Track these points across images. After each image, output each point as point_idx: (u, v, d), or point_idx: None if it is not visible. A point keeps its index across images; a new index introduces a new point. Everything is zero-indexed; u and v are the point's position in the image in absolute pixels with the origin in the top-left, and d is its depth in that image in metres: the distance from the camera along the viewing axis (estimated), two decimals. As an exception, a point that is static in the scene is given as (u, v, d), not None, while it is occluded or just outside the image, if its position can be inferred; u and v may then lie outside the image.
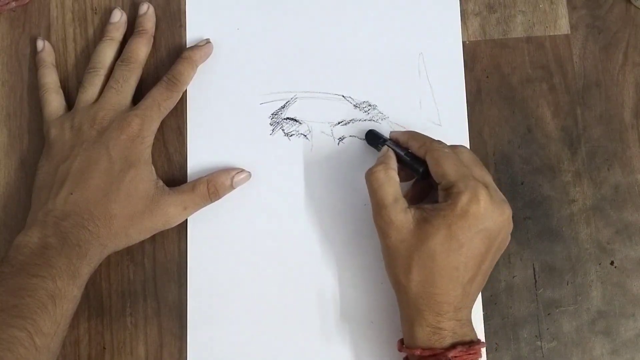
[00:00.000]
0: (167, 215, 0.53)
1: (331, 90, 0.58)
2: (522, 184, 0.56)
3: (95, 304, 0.55)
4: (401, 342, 0.50)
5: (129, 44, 0.57)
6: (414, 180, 0.53)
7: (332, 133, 0.57)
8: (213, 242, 0.56)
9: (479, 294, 0.50)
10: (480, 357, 0.48)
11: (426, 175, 0.50)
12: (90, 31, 0.59)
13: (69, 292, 0.48)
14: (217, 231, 0.56)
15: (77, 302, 0.50)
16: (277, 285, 0.55)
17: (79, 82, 0.57)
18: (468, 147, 0.56)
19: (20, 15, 0.60)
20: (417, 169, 0.51)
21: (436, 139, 0.52)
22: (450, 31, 0.58)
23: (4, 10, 0.59)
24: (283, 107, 0.58)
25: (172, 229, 0.55)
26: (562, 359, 0.54)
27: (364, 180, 0.51)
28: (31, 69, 0.59)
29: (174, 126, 0.58)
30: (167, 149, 0.57)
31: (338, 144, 0.57)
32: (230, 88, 0.58)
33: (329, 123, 0.57)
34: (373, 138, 0.55)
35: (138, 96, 0.56)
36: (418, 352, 0.47)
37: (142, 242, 0.55)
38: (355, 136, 0.57)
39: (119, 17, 0.58)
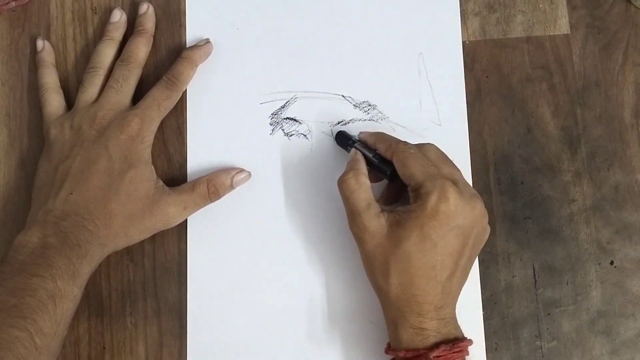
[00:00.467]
0: (167, 215, 0.53)
1: (331, 90, 0.58)
2: (522, 183, 0.56)
3: (95, 303, 0.55)
4: (389, 345, 0.50)
5: (128, 43, 0.57)
6: (387, 181, 0.53)
7: (332, 133, 0.57)
8: (213, 242, 0.56)
9: (460, 290, 0.50)
10: (467, 354, 0.48)
11: (395, 176, 0.50)
12: (90, 31, 0.59)
13: (69, 291, 0.48)
14: (217, 231, 0.56)
15: (77, 302, 0.50)
16: (277, 284, 0.55)
17: (79, 82, 0.57)
18: (468, 147, 0.56)
19: (20, 15, 0.60)
20: (385, 171, 0.51)
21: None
22: (450, 31, 0.58)
23: (3, 10, 0.59)
24: (283, 107, 0.58)
25: (172, 229, 0.55)
26: (561, 358, 0.54)
27: (363, 180, 0.51)
28: (31, 68, 0.59)
29: (174, 126, 0.58)
30: (167, 149, 0.57)
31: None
32: (230, 88, 0.58)
33: (328, 123, 0.57)
34: (343, 139, 0.55)
35: (138, 96, 0.56)
36: (402, 354, 0.47)
37: (142, 242, 0.55)
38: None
39: (118, 16, 0.58)
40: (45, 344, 0.46)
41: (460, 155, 0.52)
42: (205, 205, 0.55)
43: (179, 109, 0.57)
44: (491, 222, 0.51)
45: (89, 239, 0.50)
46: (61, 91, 0.57)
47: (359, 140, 0.54)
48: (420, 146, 0.51)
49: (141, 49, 0.56)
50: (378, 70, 0.58)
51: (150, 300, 0.55)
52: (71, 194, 0.51)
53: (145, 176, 0.53)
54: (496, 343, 0.54)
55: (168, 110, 0.56)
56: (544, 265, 0.55)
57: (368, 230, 0.48)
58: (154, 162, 0.55)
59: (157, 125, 0.55)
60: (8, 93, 0.59)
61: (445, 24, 0.58)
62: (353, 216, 0.49)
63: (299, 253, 0.55)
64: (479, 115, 0.57)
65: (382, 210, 0.49)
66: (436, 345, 0.47)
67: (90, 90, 0.56)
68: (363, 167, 0.51)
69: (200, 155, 0.57)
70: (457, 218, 0.47)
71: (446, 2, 0.59)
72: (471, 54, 0.58)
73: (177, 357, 0.55)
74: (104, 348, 0.55)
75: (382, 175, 0.52)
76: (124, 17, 0.58)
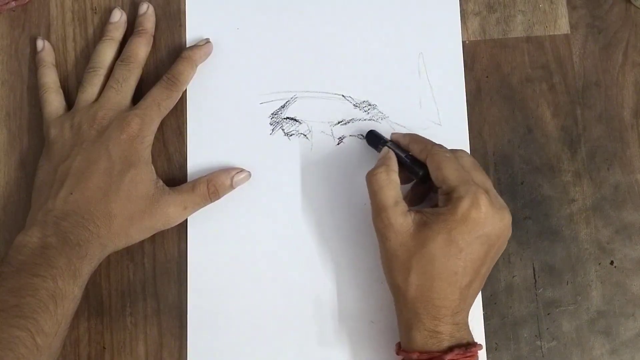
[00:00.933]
0: (167, 215, 0.53)
1: (331, 89, 0.58)
2: (522, 183, 0.56)
3: (95, 303, 0.55)
4: (399, 345, 0.50)
5: (128, 43, 0.57)
6: (413, 182, 0.53)
7: (332, 133, 0.57)
8: (213, 242, 0.56)
9: (475, 298, 0.50)
10: (478, 359, 0.48)
11: (426, 178, 0.50)
12: (90, 31, 0.59)
13: (69, 291, 0.48)
14: (217, 231, 0.56)
15: (78, 302, 0.50)
16: (276, 285, 0.55)
17: (79, 82, 0.57)
18: (468, 146, 0.56)
19: (20, 15, 0.60)
20: (417, 172, 0.51)
21: (437, 142, 0.51)
22: (450, 31, 0.58)
23: (3, 10, 0.59)
24: (283, 106, 0.58)
25: (172, 229, 0.55)
26: (561, 358, 0.54)
27: (363, 180, 0.51)
28: (31, 68, 0.59)
29: (174, 126, 0.58)
30: (167, 148, 0.57)
31: (338, 143, 0.57)
32: (230, 88, 0.58)
33: (328, 123, 0.57)
34: (373, 139, 0.55)
35: (138, 96, 0.56)
36: (415, 356, 0.47)
37: (142, 242, 0.55)
38: (355, 136, 0.57)
39: (118, 16, 0.58)
40: (46, 344, 0.46)
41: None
42: (205, 205, 0.55)
43: (179, 109, 0.57)
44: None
45: (89, 239, 0.50)
46: (61, 91, 0.57)
47: (390, 141, 0.54)
48: (454, 151, 0.51)
49: (141, 49, 0.56)
50: (378, 70, 0.58)
51: (150, 300, 0.55)
52: (71, 193, 0.51)
53: (146, 176, 0.53)
54: (496, 343, 0.54)
55: (168, 110, 0.56)
56: (544, 265, 0.55)
57: (393, 227, 0.48)
58: (154, 162, 0.55)
59: (157, 125, 0.55)
60: (8, 93, 0.59)
61: (445, 23, 0.58)
62: (379, 211, 0.49)
63: (298, 253, 0.55)
64: (479, 115, 0.57)
65: (409, 210, 0.49)
66: (450, 349, 0.47)
67: (90, 90, 0.56)
68: (394, 164, 0.51)
69: (200, 155, 0.57)
70: (486, 226, 0.47)
71: (446, 2, 0.59)
72: (471, 54, 0.58)
73: (177, 357, 0.55)
74: (104, 348, 0.55)
75: (414, 176, 0.51)
76: (124, 17, 0.58)
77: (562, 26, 0.58)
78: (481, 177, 0.49)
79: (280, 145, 0.57)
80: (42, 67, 0.57)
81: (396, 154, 0.52)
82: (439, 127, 0.57)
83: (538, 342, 0.54)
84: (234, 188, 0.55)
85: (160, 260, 0.56)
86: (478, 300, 0.54)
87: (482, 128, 0.57)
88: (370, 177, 0.50)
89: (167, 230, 0.55)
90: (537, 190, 0.56)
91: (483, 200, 0.47)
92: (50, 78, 0.57)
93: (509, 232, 0.49)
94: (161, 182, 0.54)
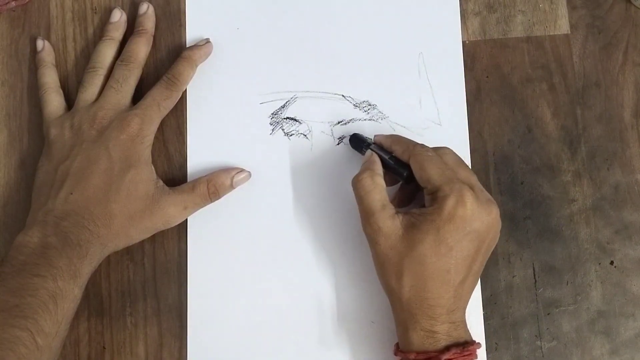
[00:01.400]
0: (167, 215, 0.53)
1: (331, 89, 0.58)
2: (522, 183, 0.56)
3: (95, 303, 0.55)
4: (397, 346, 0.50)
5: (128, 43, 0.57)
6: (400, 183, 0.53)
7: (332, 133, 0.57)
8: (213, 242, 0.56)
9: (471, 295, 0.50)
10: (476, 357, 0.48)
11: (411, 179, 0.50)
12: (90, 31, 0.59)
13: (69, 291, 0.48)
14: (217, 231, 0.56)
15: (78, 302, 0.50)
16: (276, 285, 0.55)
17: (79, 82, 0.57)
18: (468, 146, 0.56)
19: (20, 15, 0.60)
20: (402, 173, 0.51)
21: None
22: (450, 31, 0.58)
23: (3, 10, 0.59)
24: (283, 106, 0.58)
25: (172, 229, 0.55)
26: (561, 358, 0.54)
27: (364, 180, 0.51)
28: (31, 68, 0.59)
29: (174, 126, 0.58)
30: (167, 148, 0.57)
31: (338, 143, 0.57)
32: (230, 88, 0.58)
33: (328, 123, 0.57)
34: (357, 142, 0.55)
35: (138, 96, 0.56)
36: (412, 356, 0.47)
37: (142, 242, 0.55)
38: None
39: (118, 16, 0.58)
40: (47, 344, 0.46)
41: (460, 154, 0.52)
42: (205, 205, 0.55)
43: (179, 109, 0.57)
44: (491, 222, 0.51)
45: (90, 239, 0.50)
46: (61, 91, 0.57)
47: (374, 143, 0.54)
48: (436, 149, 0.51)
49: (141, 49, 0.56)
50: (378, 70, 0.58)
51: (150, 300, 0.55)
52: (71, 193, 0.51)
53: (145, 176, 0.53)
54: (496, 343, 0.54)
55: (168, 110, 0.56)
56: (544, 265, 0.55)
57: (382, 231, 0.48)
58: (154, 162, 0.55)
59: (157, 125, 0.55)
60: (8, 93, 0.59)
61: (445, 23, 0.58)
62: (367, 216, 0.49)
63: (298, 253, 0.55)
64: (479, 115, 0.57)
65: (397, 212, 0.49)
66: (447, 348, 0.47)
67: (90, 90, 0.56)
68: (379, 168, 0.51)
69: (200, 155, 0.57)
70: (474, 223, 0.47)
71: (446, 2, 0.59)
72: (471, 53, 0.58)
73: (177, 357, 0.55)
74: (104, 348, 0.55)
75: (398, 177, 0.52)
76: (124, 17, 0.58)
77: (562, 26, 0.58)
78: (465, 174, 0.49)
79: (280, 145, 0.57)
80: (42, 67, 0.57)
81: (380, 157, 0.52)
82: (439, 127, 0.57)
83: (538, 342, 0.54)
84: (234, 188, 0.55)
85: (160, 260, 0.56)
86: (478, 300, 0.54)
87: (482, 128, 0.57)
88: (356, 183, 0.50)
89: (167, 230, 0.55)
90: (537, 190, 0.56)
91: (468, 197, 0.47)
92: (50, 78, 0.57)
93: (498, 225, 0.49)
94: (161, 182, 0.54)
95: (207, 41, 0.58)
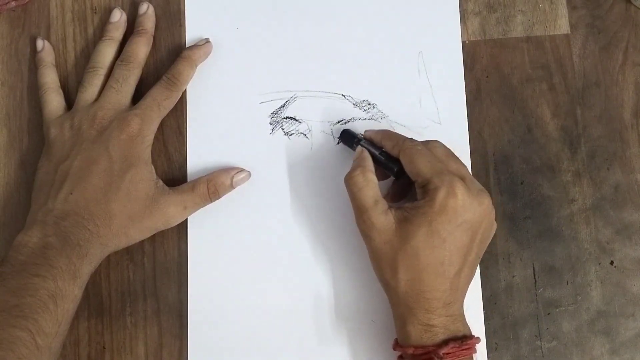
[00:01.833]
0: (167, 215, 0.53)
1: (331, 89, 0.58)
2: (522, 183, 0.56)
3: (95, 303, 0.55)
4: (396, 341, 0.50)
5: (128, 43, 0.57)
6: (392, 177, 0.53)
7: (332, 132, 0.57)
8: (213, 242, 0.56)
9: (468, 286, 0.50)
10: (475, 352, 0.48)
11: (402, 173, 0.51)
12: (90, 31, 0.59)
13: (69, 291, 0.48)
14: (217, 231, 0.56)
15: (78, 302, 0.50)
16: (277, 284, 0.55)
17: (79, 82, 0.57)
18: (468, 146, 0.56)
19: (20, 15, 0.60)
20: (392, 168, 0.51)
21: (409, 137, 0.52)
22: (450, 30, 0.58)
23: (3, 10, 0.59)
24: (283, 106, 0.58)
25: (172, 229, 0.55)
26: (561, 358, 0.54)
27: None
28: (31, 68, 0.59)
29: (174, 126, 0.58)
30: (167, 148, 0.57)
31: (338, 142, 0.57)
32: (229, 87, 0.58)
33: (328, 122, 0.57)
34: (348, 137, 0.55)
35: (138, 96, 0.56)
36: (411, 351, 0.47)
37: (142, 242, 0.55)
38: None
39: (118, 16, 0.58)
40: (47, 344, 0.46)
41: (460, 153, 0.52)
42: (205, 205, 0.55)
43: (179, 109, 0.57)
44: (491, 222, 0.51)
45: (89, 239, 0.50)
46: (61, 91, 0.57)
47: (364, 138, 0.54)
48: (426, 143, 0.51)
49: (141, 49, 0.56)
50: (378, 69, 0.58)
51: (150, 300, 0.55)
52: (71, 193, 0.51)
53: (145, 176, 0.53)
54: (496, 343, 0.54)
55: (168, 110, 0.56)
56: (544, 265, 0.55)
57: (376, 226, 0.48)
58: (154, 162, 0.55)
59: (157, 125, 0.55)
60: (8, 93, 0.59)
61: (444, 23, 0.58)
62: (360, 213, 0.49)
63: (299, 252, 0.55)
64: (479, 115, 0.57)
65: (390, 207, 0.49)
66: (445, 342, 0.47)
67: (90, 90, 0.56)
68: (370, 164, 0.51)
69: (200, 155, 0.57)
70: (465, 213, 0.47)
71: (446, 2, 0.59)
72: (471, 54, 0.58)
73: (177, 357, 0.55)
74: (104, 348, 0.55)
75: (389, 172, 0.52)
76: (124, 17, 0.58)
77: (562, 26, 0.58)
78: (455, 165, 0.49)
79: (280, 145, 0.57)
80: (42, 67, 0.57)
81: (370, 152, 0.52)
82: (439, 126, 0.57)
83: (538, 342, 0.54)
84: (234, 188, 0.55)
85: (160, 260, 0.56)
86: (478, 300, 0.54)
87: (482, 128, 0.57)
88: (348, 180, 0.50)
89: (167, 230, 0.55)
90: (537, 190, 0.56)
91: (459, 188, 0.47)
92: (50, 78, 0.57)
93: (491, 215, 0.49)
94: (161, 182, 0.54)
95: (207, 41, 0.58)
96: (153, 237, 0.55)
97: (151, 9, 0.58)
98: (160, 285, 0.55)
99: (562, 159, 0.56)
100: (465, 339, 0.47)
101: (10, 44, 0.59)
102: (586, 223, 0.56)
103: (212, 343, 0.54)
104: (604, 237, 0.55)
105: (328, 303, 0.55)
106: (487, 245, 0.51)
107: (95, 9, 0.60)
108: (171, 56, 0.58)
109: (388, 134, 0.53)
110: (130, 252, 0.56)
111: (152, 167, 0.54)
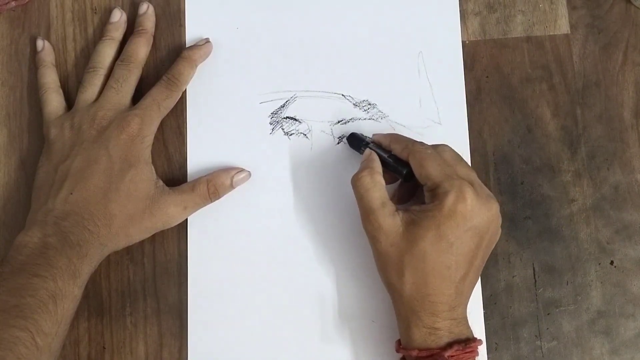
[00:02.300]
0: (167, 215, 0.53)
1: (331, 89, 0.58)
2: (522, 183, 0.56)
3: (95, 303, 0.55)
4: (399, 342, 0.50)
5: (128, 43, 0.57)
6: (399, 181, 0.53)
7: (331, 132, 0.57)
8: (213, 242, 0.56)
9: (472, 291, 0.50)
10: (478, 355, 0.48)
11: (410, 177, 0.50)
12: (90, 31, 0.59)
13: (69, 291, 0.48)
14: (217, 231, 0.56)
15: (78, 302, 0.50)
16: (277, 284, 0.55)
17: (79, 82, 0.57)
18: (468, 146, 0.56)
19: (20, 15, 0.60)
20: (401, 171, 0.51)
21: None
22: (450, 30, 0.58)
23: (3, 10, 0.59)
24: (283, 106, 0.58)
25: (172, 229, 0.55)
26: (561, 358, 0.54)
27: (364, 179, 0.51)
28: (31, 68, 0.59)
29: (174, 126, 0.58)
30: (167, 148, 0.57)
31: (338, 142, 0.57)
32: (229, 87, 0.58)
33: (328, 122, 0.57)
34: (355, 141, 0.55)
35: (138, 96, 0.56)
36: (415, 353, 0.47)
37: (142, 242, 0.55)
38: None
39: (118, 16, 0.58)
40: (46, 344, 0.46)
41: (460, 154, 0.52)
42: (205, 205, 0.55)
43: (179, 109, 0.57)
44: (492, 222, 0.51)
45: (89, 239, 0.50)
46: (61, 91, 0.57)
47: (372, 142, 0.54)
48: (435, 147, 0.51)
49: (141, 49, 0.56)
50: (378, 69, 0.58)
51: (150, 300, 0.55)
52: (71, 193, 0.51)
53: (145, 176, 0.53)
54: (496, 343, 0.54)
55: (168, 110, 0.56)
56: (544, 265, 0.55)
57: (382, 228, 0.48)
58: (154, 162, 0.55)
59: (157, 125, 0.55)
60: (8, 93, 0.59)
61: (444, 23, 0.58)
62: (367, 214, 0.49)
63: (299, 252, 0.55)
64: (479, 115, 0.57)
65: (397, 209, 0.49)
66: (449, 345, 0.47)
67: (90, 90, 0.56)
68: (378, 165, 0.51)
69: (200, 155, 0.57)
70: (474, 219, 0.47)
71: (446, 2, 0.59)
72: (471, 54, 0.58)
73: (177, 357, 0.55)
74: (104, 348, 0.55)
75: (398, 175, 0.52)
76: (124, 17, 0.58)
77: (562, 26, 0.58)
78: (465, 170, 0.49)
79: (280, 145, 0.57)
80: (42, 67, 0.57)
81: (379, 155, 0.52)
82: (439, 126, 0.57)
83: (538, 342, 0.54)
84: (234, 188, 0.55)
85: (160, 260, 0.56)
86: (478, 300, 0.54)
87: (482, 128, 0.57)
88: (355, 181, 0.50)
89: (167, 230, 0.55)
90: (537, 190, 0.56)
91: (468, 193, 0.47)
92: (50, 78, 0.57)
93: (498, 221, 0.49)
94: (161, 182, 0.54)
95: (207, 41, 0.58)
96: (153, 237, 0.55)
97: (151, 9, 0.58)
98: (160, 285, 0.55)
99: (562, 159, 0.56)
100: (469, 342, 0.47)
101: (10, 44, 0.59)
102: (586, 223, 0.56)
103: (212, 343, 0.54)
104: (604, 237, 0.55)
105: (327, 304, 0.55)
106: (491, 250, 0.50)
107: (95, 9, 0.60)
108: (171, 56, 0.58)
109: (396, 137, 0.53)
110: (130, 252, 0.56)
111: (152, 167, 0.54)
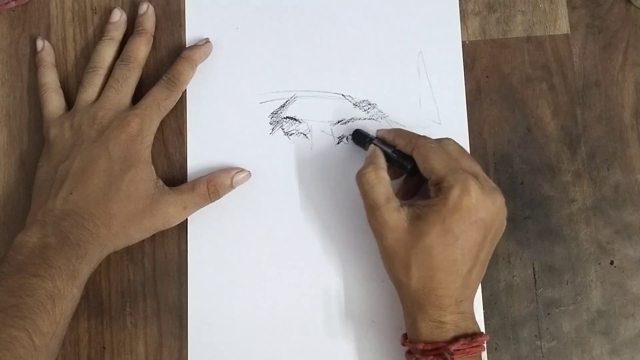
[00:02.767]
0: (167, 215, 0.53)
1: (331, 89, 0.58)
2: (522, 184, 0.56)
3: (95, 303, 0.55)
4: (404, 336, 0.50)
5: (128, 43, 0.57)
6: (404, 176, 0.53)
7: (331, 132, 0.57)
8: (213, 242, 0.56)
9: (478, 284, 0.50)
10: (484, 349, 0.48)
11: (415, 171, 0.50)
12: (90, 31, 0.59)
13: (68, 291, 0.48)
14: (217, 231, 0.56)
15: (77, 302, 0.50)
16: (277, 284, 0.55)
17: (79, 82, 0.57)
18: (468, 146, 0.56)
19: (20, 15, 0.60)
20: (406, 166, 0.51)
21: (422, 135, 0.52)
22: (450, 30, 0.58)
23: (3, 10, 0.59)
24: (283, 106, 0.58)
25: (172, 229, 0.55)
26: (561, 358, 0.54)
27: (364, 179, 0.51)
28: (31, 68, 0.59)
29: (174, 126, 0.58)
30: (167, 148, 0.57)
31: (338, 142, 0.57)
32: (229, 87, 0.58)
33: (328, 122, 0.57)
34: (360, 137, 0.55)
35: (138, 96, 0.56)
36: (421, 346, 0.47)
37: (142, 242, 0.55)
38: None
39: (118, 16, 0.58)
40: (44, 344, 0.46)
41: (463, 149, 0.52)
42: (205, 205, 0.55)
43: (179, 109, 0.57)
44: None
45: (89, 239, 0.50)
46: (61, 91, 0.57)
47: (376, 138, 0.54)
48: (439, 140, 0.51)
49: (141, 49, 0.56)
50: (378, 69, 0.58)
51: (150, 300, 0.55)
52: (71, 193, 0.51)
53: (145, 176, 0.53)
54: (496, 343, 0.54)
55: (168, 110, 0.56)
56: (544, 265, 0.55)
57: (388, 224, 0.48)
58: (154, 162, 0.55)
59: (157, 125, 0.55)
60: (8, 93, 0.59)
61: (444, 23, 0.58)
62: (372, 210, 0.49)
63: (298, 252, 0.55)
64: (479, 115, 0.57)
65: (402, 205, 0.49)
66: (456, 339, 0.47)
67: (90, 90, 0.56)
68: (382, 161, 0.51)
69: (200, 155, 0.57)
70: (479, 212, 0.47)
71: (446, 2, 0.59)
72: (471, 54, 0.58)
73: (177, 357, 0.55)
74: (104, 348, 0.55)
75: (402, 170, 0.52)
76: (124, 17, 0.58)
77: (562, 26, 0.58)
78: (469, 163, 0.49)
79: (280, 145, 0.57)
80: (42, 67, 0.57)
81: (383, 151, 0.52)
82: (439, 126, 0.57)
83: (538, 342, 0.54)
84: (234, 188, 0.55)
85: (160, 260, 0.56)
86: (478, 300, 0.54)
87: (482, 128, 0.57)
88: (360, 177, 0.50)
89: (167, 230, 0.55)
90: (537, 190, 0.56)
91: (473, 186, 0.47)
92: (50, 78, 0.57)
93: (504, 214, 0.49)
94: (161, 182, 0.54)
95: (207, 41, 0.58)
96: (153, 237, 0.55)
97: (151, 9, 0.58)
98: (160, 285, 0.55)
99: (562, 159, 0.56)
100: (475, 336, 0.47)
101: (10, 44, 0.59)
102: (586, 223, 0.56)
103: (212, 343, 0.54)
104: (604, 237, 0.55)
105: (328, 304, 0.55)
106: (496, 242, 0.50)
107: (95, 9, 0.60)
108: (171, 56, 0.58)
109: (400, 132, 0.53)
110: (130, 252, 0.56)
111: (152, 167, 0.54)
